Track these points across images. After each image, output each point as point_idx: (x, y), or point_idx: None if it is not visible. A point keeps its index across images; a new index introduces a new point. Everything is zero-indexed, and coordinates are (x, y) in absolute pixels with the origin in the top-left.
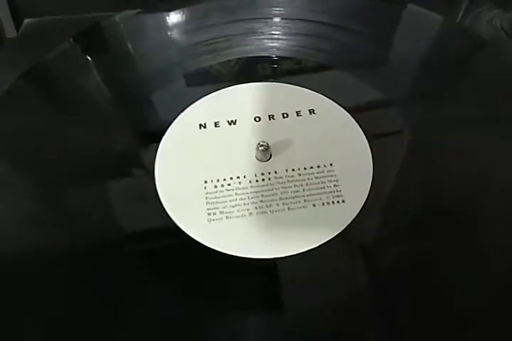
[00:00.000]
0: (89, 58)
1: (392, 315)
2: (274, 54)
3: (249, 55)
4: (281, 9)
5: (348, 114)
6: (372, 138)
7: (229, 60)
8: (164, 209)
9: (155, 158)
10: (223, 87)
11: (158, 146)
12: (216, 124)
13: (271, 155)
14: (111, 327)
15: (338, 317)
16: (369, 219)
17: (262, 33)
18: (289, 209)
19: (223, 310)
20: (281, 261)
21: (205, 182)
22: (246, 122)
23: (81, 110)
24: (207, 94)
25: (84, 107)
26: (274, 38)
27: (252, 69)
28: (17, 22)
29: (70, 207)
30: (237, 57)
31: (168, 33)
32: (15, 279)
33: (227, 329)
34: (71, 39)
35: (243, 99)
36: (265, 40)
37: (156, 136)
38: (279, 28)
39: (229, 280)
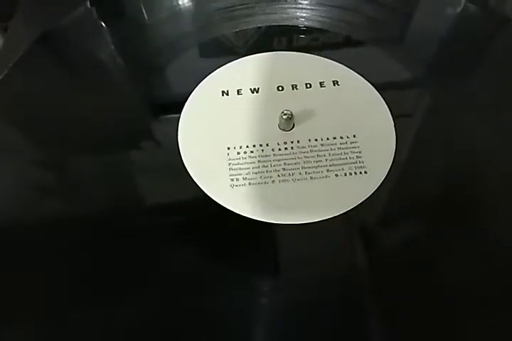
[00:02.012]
0: (103, 24)
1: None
2: (299, 24)
3: (274, 24)
4: None
5: (371, 86)
6: (396, 111)
7: (252, 28)
8: (189, 174)
9: (178, 124)
10: (245, 56)
11: (180, 113)
12: (239, 92)
13: (294, 125)
14: (138, 287)
15: (345, 285)
16: (390, 192)
17: (287, 2)
18: (311, 178)
19: (241, 270)
20: (301, 227)
21: (228, 148)
22: (269, 91)
23: (96, 78)
24: (228, 63)
25: (100, 75)
26: (299, 8)
27: (276, 39)
28: None
29: (95, 175)
30: (260, 25)
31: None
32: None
33: (244, 291)
34: (86, 3)
35: (266, 67)
36: (290, 10)
37: (177, 104)
38: None
39: (247, 242)
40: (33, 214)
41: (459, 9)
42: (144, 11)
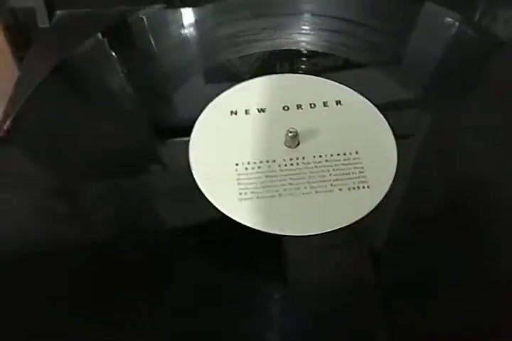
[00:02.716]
0: (114, 54)
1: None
2: (302, 48)
3: (277, 49)
4: (309, 6)
5: (373, 105)
6: (397, 128)
7: (255, 53)
8: (199, 189)
9: (189, 142)
10: (251, 78)
11: (191, 132)
12: (246, 112)
13: (299, 142)
14: (156, 306)
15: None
16: (392, 206)
17: (290, 28)
18: (316, 192)
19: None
20: (307, 239)
21: (237, 164)
22: (275, 110)
23: (108, 106)
24: (235, 85)
25: (111, 103)
26: (302, 33)
27: (280, 62)
28: (50, 13)
29: (110, 201)
30: (263, 50)
31: (193, 28)
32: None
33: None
34: (98, 35)
35: (272, 89)
36: (294, 35)
37: (188, 123)
38: (306, 24)
39: (255, 253)
40: (49, 241)
41: (453, 31)
42: (152, 41)
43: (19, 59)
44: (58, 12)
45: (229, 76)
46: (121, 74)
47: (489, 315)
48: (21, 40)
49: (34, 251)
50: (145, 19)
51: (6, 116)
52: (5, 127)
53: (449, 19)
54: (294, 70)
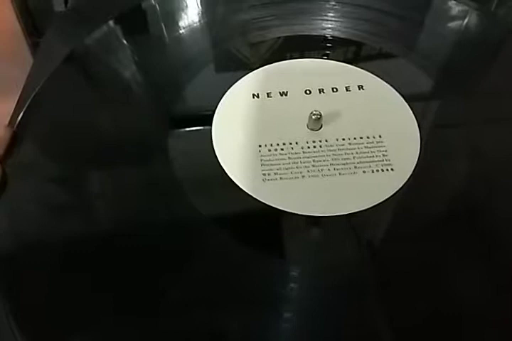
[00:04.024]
0: (126, 41)
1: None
2: (325, 33)
3: (302, 33)
4: None
5: (395, 90)
6: (419, 113)
7: (276, 39)
8: (223, 170)
9: (211, 123)
10: (272, 63)
11: (213, 115)
12: (268, 95)
13: (322, 125)
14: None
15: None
16: (416, 188)
17: (315, 14)
18: (339, 174)
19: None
20: (330, 220)
21: (260, 146)
22: (297, 94)
23: (123, 95)
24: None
25: (126, 91)
26: (326, 19)
27: (304, 47)
28: None
29: (138, 189)
30: (288, 34)
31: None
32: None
33: (276, 278)
34: (110, 22)
35: (294, 73)
36: (317, 21)
37: (210, 107)
38: (331, 11)
39: (278, 231)
40: (59, 231)
41: (475, 22)
42: (164, 28)
43: (33, 44)
44: None
45: (246, 62)
46: (135, 62)
47: (488, 309)
48: (35, 25)
49: (53, 245)
50: (157, 6)
51: (21, 103)
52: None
53: (468, 8)
54: (315, 56)
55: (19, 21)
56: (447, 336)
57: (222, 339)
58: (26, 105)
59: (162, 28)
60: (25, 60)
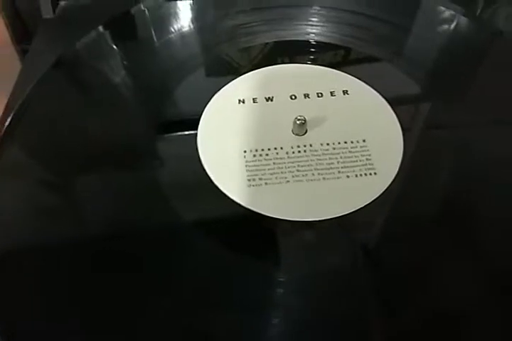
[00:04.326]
0: (115, 47)
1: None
2: (310, 39)
3: (287, 39)
4: None
5: (379, 95)
6: (403, 117)
7: (261, 44)
8: (208, 175)
9: (197, 131)
10: (258, 68)
11: (199, 121)
12: (254, 100)
13: (307, 130)
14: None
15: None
16: (399, 192)
17: (297, 19)
18: (323, 179)
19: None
20: (314, 224)
21: (245, 151)
22: (282, 99)
23: (111, 100)
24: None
25: (114, 97)
26: (309, 24)
27: (289, 52)
28: (54, 3)
29: (123, 195)
30: (273, 40)
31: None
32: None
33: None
34: (99, 27)
35: (280, 78)
36: (301, 26)
37: (195, 114)
38: (315, 15)
39: (264, 238)
40: (52, 238)
41: (458, 25)
42: (153, 33)
43: (21, 51)
44: (62, 2)
45: (233, 67)
46: (123, 67)
47: (485, 307)
48: (24, 33)
49: (38, 248)
50: (147, 11)
51: (8, 110)
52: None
53: (454, 13)
54: (300, 61)
55: (8, 29)
56: (443, 336)
57: None
58: (13, 111)
59: (151, 34)
60: (14, 67)
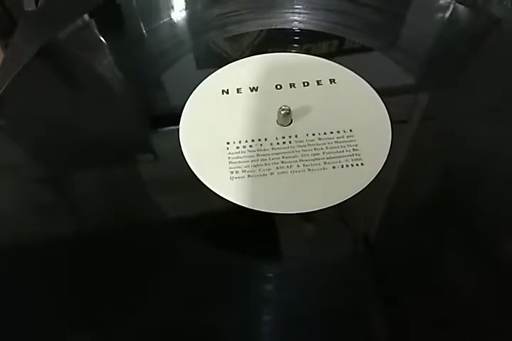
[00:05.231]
0: (101, 36)
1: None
2: (296, 27)
3: (272, 27)
4: None
5: (366, 83)
6: (391, 106)
7: (248, 33)
8: (190, 168)
9: (179, 123)
10: (243, 57)
11: (182, 111)
12: (238, 90)
13: (292, 120)
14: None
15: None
16: (386, 182)
17: (283, 7)
18: (309, 170)
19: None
20: (298, 217)
21: (228, 143)
22: (267, 89)
23: (96, 91)
24: (228, 63)
25: (100, 87)
26: (295, 12)
27: (275, 41)
28: None
29: (104, 189)
30: (256, 29)
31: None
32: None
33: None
34: (84, 16)
35: (264, 68)
36: (287, 14)
37: (178, 103)
38: (300, 3)
39: (247, 231)
40: (37, 233)
41: (449, 12)
42: (141, 22)
43: (6, 45)
44: None
45: (220, 57)
46: (109, 57)
47: (483, 300)
48: (7, 27)
49: (23, 243)
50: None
51: None
52: None
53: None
54: (286, 50)
55: None
56: (442, 326)
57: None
58: None
59: (136, 24)
60: None
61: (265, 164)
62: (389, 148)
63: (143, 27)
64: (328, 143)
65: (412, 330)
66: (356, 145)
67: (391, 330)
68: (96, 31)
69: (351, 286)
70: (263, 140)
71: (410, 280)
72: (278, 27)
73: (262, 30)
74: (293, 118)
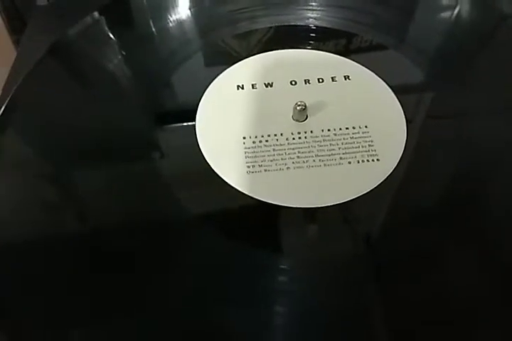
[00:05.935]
0: (111, 34)
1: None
2: (311, 23)
3: (286, 24)
4: None
5: (380, 80)
6: (406, 102)
7: (262, 29)
8: (207, 163)
9: (195, 117)
10: (257, 54)
11: (197, 107)
12: (253, 86)
13: (307, 116)
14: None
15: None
16: (402, 178)
17: (301, 3)
18: (324, 165)
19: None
20: (314, 211)
21: (244, 138)
22: (282, 85)
23: (107, 88)
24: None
25: (110, 84)
26: (312, 9)
27: (289, 37)
28: None
29: (120, 187)
30: (270, 25)
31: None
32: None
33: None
34: (94, 13)
35: (279, 64)
36: (301, 11)
37: (194, 99)
38: (318, 0)
39: (264, 225)
40: (58, 228)
41: (457, 10)
42: (150, 20)
43: (17, 41)
44: None
45: (232, 53)
46: (119, 54)
47: (486, 300)
48: (18, 23)
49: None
50: None
51: (2, 99)
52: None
53: None
54: (300, 46)
55: (2, 18)
56: (443, 326)
57: (216, 336)
58: (7, 100)
59: (148, 20)
60: (9, 57)
61: (281, 159)
62: (404, 145)
63: (152, 24)
64: (344, 139)
65: (412, 330)
66: (372, 142)
67: (391, 330)
68: (106, 28)
69: (367, 282)
70: (279, 135)
71: (423, 277)
72: (292, 23)
73: (275, 27)
74: (308, 114)
